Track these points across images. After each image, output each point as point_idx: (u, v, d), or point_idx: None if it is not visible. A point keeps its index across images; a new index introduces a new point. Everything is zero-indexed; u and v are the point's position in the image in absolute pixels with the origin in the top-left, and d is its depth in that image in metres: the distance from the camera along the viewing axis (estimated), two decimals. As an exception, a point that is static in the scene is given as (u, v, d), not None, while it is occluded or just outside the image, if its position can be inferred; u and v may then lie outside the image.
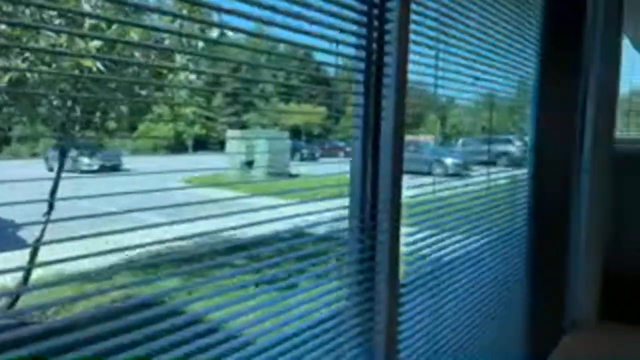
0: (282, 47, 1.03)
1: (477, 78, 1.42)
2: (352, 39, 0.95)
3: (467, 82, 1.36)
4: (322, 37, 0.90)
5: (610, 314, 2.32)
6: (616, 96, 2.23)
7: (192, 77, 2.43)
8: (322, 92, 1.12)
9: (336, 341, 0.95)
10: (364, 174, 1.01)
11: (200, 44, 2.23)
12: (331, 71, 1.03)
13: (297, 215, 0.92)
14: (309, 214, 0.95)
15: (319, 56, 0.95)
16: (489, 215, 1.53)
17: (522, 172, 1.74)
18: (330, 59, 0.96)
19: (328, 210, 0.97)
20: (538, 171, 1.79)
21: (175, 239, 0.83)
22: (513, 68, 1.59)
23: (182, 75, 2.45)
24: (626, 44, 2.40)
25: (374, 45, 0.97)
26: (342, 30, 0.93)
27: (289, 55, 1.04)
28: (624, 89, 2.34)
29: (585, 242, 2.27)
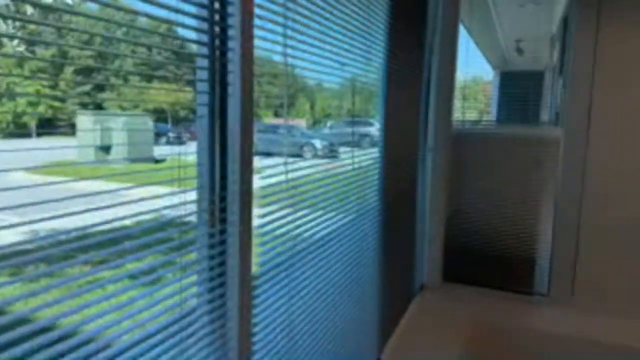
0: (144, 21, 0.91)
1: (341, 63, 1.45)
2: (192, 9, 0.88)
3: (329, 66, 1.38)
4: (161, 5, 0.82)
5: (451, 276, 2.65)
6: (454, 82, 2.50)
7: (21, 49, 2.06)
8: (188, 72, 1.03)
9: (187, 332, 0.90)
10: (212, 155, 0.96)
11: (30, 9, 1.91)
12: (194, 47, 0.95)
13: (148, 198, 0.84)
14: (152, 197, 0.87)
15: (181, 32, 0.86)
16: (349, 193, 1.59)
17: (375, 151, 1.85)
18: (182, 31, 0.88)
19: (171, 194, 0.90)
20: (388, 150, 1.91)
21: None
22: (369, 53, 1.66)
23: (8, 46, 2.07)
24: (463, 34, 2.68)
25: (217, 17, 0.91)
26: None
27: (148, 30, 0.93)
28: (461, 76, 2.62)
29: (430, 214, 2.54)
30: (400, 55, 1.96)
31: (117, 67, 0.98)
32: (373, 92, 1.90)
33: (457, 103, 2.56)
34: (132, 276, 0.81)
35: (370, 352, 1.92)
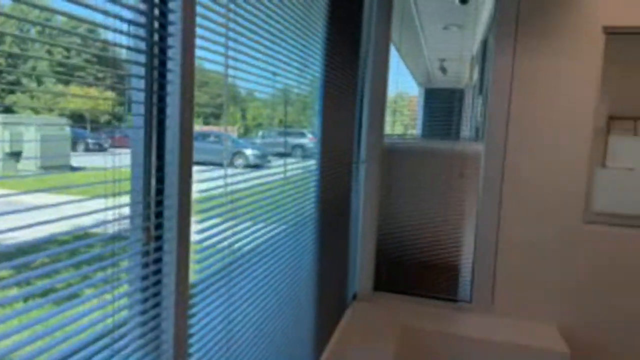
0: (62, 20, 0.84)
1: (274, 73, 1.44)
2: (129, 14, 0.83)
3: (264, 76, 1.37)
4: (95, 9, 0.76)
5: (381, 286, 2.72)
6: (385, 98, 2.59)
7: None
8: (110, 75, 0.97)
9: (116, 358, 0.83)
10: (148, 166, 0.91)
11: None
12: (123, 52, 0.89)
13: (75, 215, 0.77)
14: (81, 213, 0.80)
15: (104, 33, 0.80)
16: (286, 204, 1.58)
17: (312, 163, 1.86)
18: (118, 37, 0.82)
19: (107, 208, 0.84)
20: (324, 161, 1.93)
21: None
22: (304, 66, 1.67)
23: None
24: (394, 53, 2.80)
25: (156, 24, 0.87)
26: (118, 3, 0.80)
27: (67, 30, 0.85)
28: (391, 92, 2.72)
29: (363, 225, 2.59)
30: (336, 71, 2.00)
31: (29, 69, 0.90)
32: (307, 104, 1.92)
33: (388, 118, 2.65)
34: (55, 302, 0.74)
35: (306, 365, 1.91)
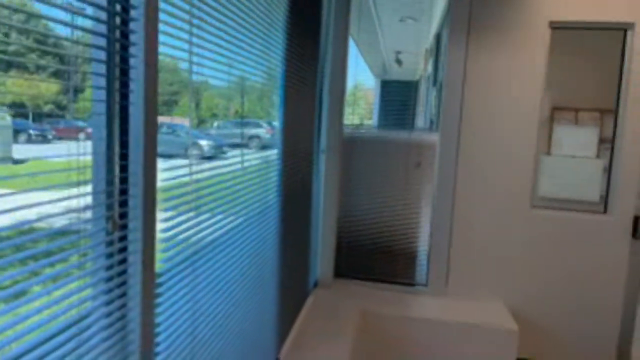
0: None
1: (237, 62, 1.42)
2: (89, -3, 0.81)
3: (222, 63, 1.35)
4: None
5: (341, 273, 2.78)
6: (345, 89, 2.63)
7: None
8: (54, 61, 0.92)
9: (81, 349, 0.81)
10: (111, 155, 0.89)
11: None
12: (68, 34, 0.85)
13: (27, 206, 0.74)
14: (36, 205, 0.77)
15: (47, 12, 0.77)
16: (247, 194, 1.58)
17: (273, 153, 1.86)
18: (78, 20, 0.79)
19: (65, 199, 0.81)
20: (286, 152, 1.94)
21: None
22: (261, 56, 1.67)
23: None
24: (351, 44, 2.83)
25: (117, 7, 0.85)
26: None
27: (19, 8, 0.81)
28: (349, 83, 2.75)
29: (324, 214, 2.63)
30: (297, 62, 2.00)
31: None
32: (264, 93, 1.91)
33: (347, 108, 2.69)
34: (15, 295, 0.72)
35: (271, 352, 1.93)
